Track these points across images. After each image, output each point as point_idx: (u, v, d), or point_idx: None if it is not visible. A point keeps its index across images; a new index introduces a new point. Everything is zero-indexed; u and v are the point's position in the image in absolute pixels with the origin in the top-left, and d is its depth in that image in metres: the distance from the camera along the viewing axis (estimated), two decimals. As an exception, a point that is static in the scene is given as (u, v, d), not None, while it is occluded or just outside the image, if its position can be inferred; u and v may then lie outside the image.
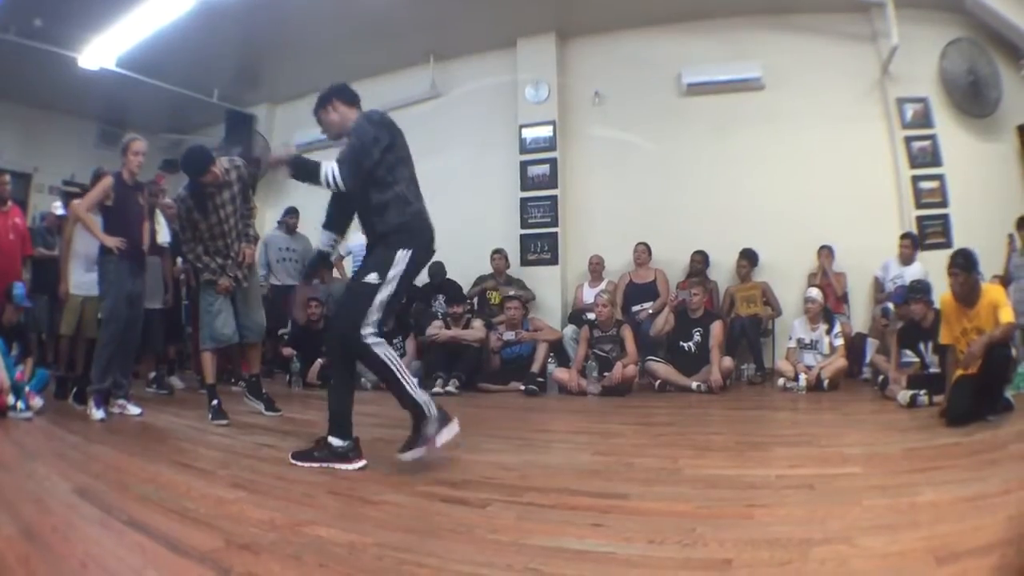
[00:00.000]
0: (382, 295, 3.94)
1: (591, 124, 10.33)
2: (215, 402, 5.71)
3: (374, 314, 3.95)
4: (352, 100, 4.46)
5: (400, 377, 3.92)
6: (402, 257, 4.05)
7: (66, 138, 12.01)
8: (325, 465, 3.84)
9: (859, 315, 8.76)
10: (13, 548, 2.30)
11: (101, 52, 9.51)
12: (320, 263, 4.96)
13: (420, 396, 3.93)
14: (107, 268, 5.89)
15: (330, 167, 3.89)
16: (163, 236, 7.55)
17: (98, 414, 5.54)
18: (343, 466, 3.83)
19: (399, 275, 4.02)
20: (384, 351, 3.94)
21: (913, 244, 8.46)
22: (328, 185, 3.92)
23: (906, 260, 8.42)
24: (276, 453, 4.25)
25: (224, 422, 5.52)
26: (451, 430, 3.92)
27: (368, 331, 3.92)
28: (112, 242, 5.74)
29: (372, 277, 3.97)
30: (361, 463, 3.88)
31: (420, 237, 4.24)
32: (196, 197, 5.73)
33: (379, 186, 4.12)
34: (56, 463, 3.91)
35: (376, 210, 4.14)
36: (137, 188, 6.14)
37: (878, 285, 8.61)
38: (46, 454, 4.29)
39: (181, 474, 3.60)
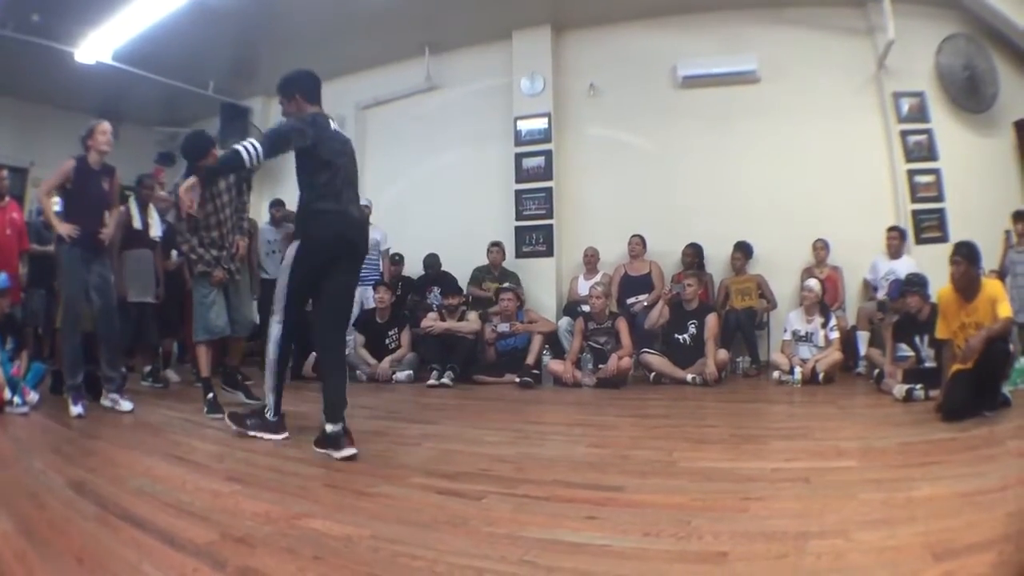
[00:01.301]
0: (280, 283, 4.43)
1: (586, 116, 10.30)
2: (210, 395, 5.72)
3: (279, 301, 4.41)
4: (310, 96, 4.78)
5: (268, 371, 4.48)
6: (290, 251, 4.42)
7: (62, 132, 11.89)
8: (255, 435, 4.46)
9: (853, 308, 8.73)
10: (10, 544, 2.30)
11: (98, 46, 9.50)
12: None
13: (271, 400, 4.50)
14: (60, 256, 5.77)
15: (249, 141, 4.12)
16: (155, 230, 7.52)
17: (75, 410, 5.40)
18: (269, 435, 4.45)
19: (288, 266, 4.39)
20: (272, 343, 4.44)
21: (901, 237, 8.48)
22: (249, 157, 4.07)
23: (894, 253, 8.43)
24: (271, 446, 4.25)
25: (219, 415, 5.43)
26: (270, 437, 4.44)
27: (273, 323, 4.44)
28: (64, 229, 5.61)
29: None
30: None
31: (310, 232, 4.38)
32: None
33: (300, 186, 4.46)
34: (52, 458, 3.91)
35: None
36: (104, 172, 5.94)
37: (868, 287, 8.61)
38: (42, 449, 4.29)
39: (177, 467, 3.60)
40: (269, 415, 4.50)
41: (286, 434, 4.47)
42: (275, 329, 4.43)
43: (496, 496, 2.95)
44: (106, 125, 5.91)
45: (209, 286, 5.87)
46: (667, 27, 9.91)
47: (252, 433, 4.47)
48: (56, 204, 5.92)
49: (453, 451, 4.06)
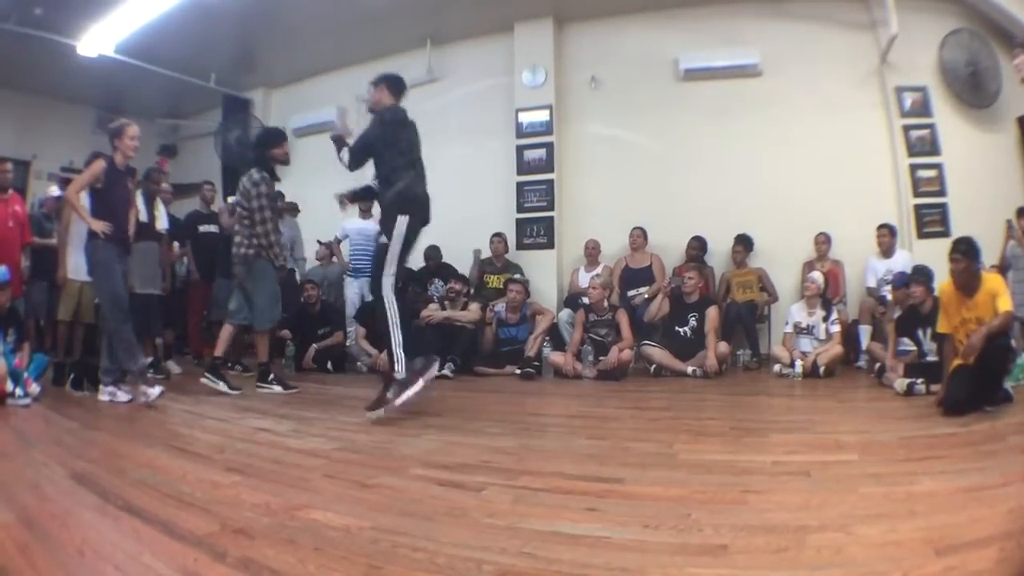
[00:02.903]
0: (392, 251, 5.17)
1: (588, 109, 10.29)
2: (272, 376, 6.58)
3: (391, 265, 5.16)
4: (396, 91, 5.80)
5: (394, 330, 5.13)
6: (401, 222, 5.22)
7: (64, 125, 12.03)
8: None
9: (854, 302, 8.73)
10: (12, 535, 2.30)
11: (100, 39, 9.51)
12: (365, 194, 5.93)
13: (401, 354, 5.10)
14: (95, 252, 5.82)
15: (345, 151, 5.47)
16: (162, 223, 7.54)
17: (122, 396, 5.68)
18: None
19: (401, 235, 5.21)
20: (390, 304, 5.15)
21: (891, 234, 8.49)
22: (341, 162, 5.50)
23: (886, 251, 8.45)
24: (272, 437, 4.27)
25: (295, 389, 6.46)
26: (418, 386, 5.02)
27: (387, 281, 5.17)
28: (99, 226, 5.67)
29: (383, 239, 5.26)
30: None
31: (412, 206, 5.40)
32: (272, 175, 6.67)
33: (383, 167, 5.43)
34: (54, 449, 3.91)
35: (381, 186, 5.48)
36: (128, 173, 6.11)
37: (872, 292, 8.54)
38: (44, 440, 4.30)
39: (177, 459, 3.61)
40: (400, 371, 5.04)
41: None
42: (390, 293, 5.18)
43: (496, 487, 2.95)
44: (136, 129, 6.03)
45: (275, 278, 6.58)
46: (669, 20, 9.90)
47: (401, 400, 4.92)
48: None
49: (453, 442, 4.07)
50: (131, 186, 6.17)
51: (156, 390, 5.54)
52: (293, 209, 9.57)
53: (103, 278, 5.88)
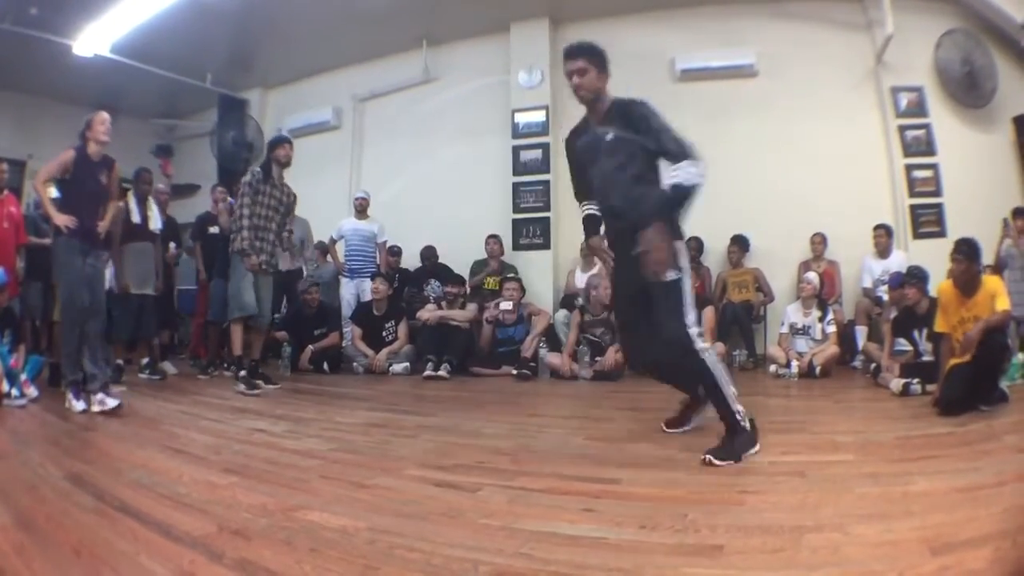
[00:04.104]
0: (685, 289, 3.80)
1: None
2: (243, 373, 6.60)
3: (691, 310, 3.81)
4: (607, 67, 4.41)
5: (723, 388, 3.79)
6: (681, 246, 3.89)
7: (60, 125, 11.91)
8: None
9: (850, 302, 8.74)
10: (8, 537, 2.30)
11: (96, 39, 9.50)
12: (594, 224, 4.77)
13: (739, 408, 3.78)
14: (57, 248, 5.64)
15: (688, 173, 3.72)
16: (155, 223, 7.53)
17: (78, 406, 5.22)
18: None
19: (688, 267, 3.89)
20: (712, 364, 3.78)
21: (888, 235, 8.53)
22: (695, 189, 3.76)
23: (882, 251, 8.48)
24: (268, 438, 4.26)
25: (256, 392, 6.36)
26: (755, 449, 3.65)
27: (694, 331, 3.77)
28: (61, 220, 5.44)
29: (671, 274, 3.75)
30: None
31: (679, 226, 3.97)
32: (265, 173, 6.83)
33: (642, 176, 4.10)
34: (50, 450, 3.91)
35: (634, 199, 4.05)
36: (103, 165, 5.81)
37: (868, 292, 8.57)
38: (40, 441, 4.29)
39: (173, 460, 3.60)
40: (745, 424, 3.71)
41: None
42: (702, 344, 3.83)
43: (493, 488, 2.95)
44: (104, 115, 5.83)
45: (244, 269, 6.55)
46: (665, 20, 9.89)
47: (745, 454, 3.54)
48: (52, 193, 5.86)
49: (450, 443, 4.07)
50: (106, 179, 5.83)
51: (81, 403, 5.26)
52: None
53: (60, 276, 5.72)
